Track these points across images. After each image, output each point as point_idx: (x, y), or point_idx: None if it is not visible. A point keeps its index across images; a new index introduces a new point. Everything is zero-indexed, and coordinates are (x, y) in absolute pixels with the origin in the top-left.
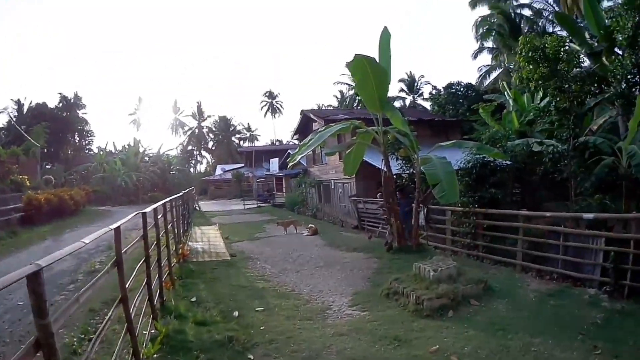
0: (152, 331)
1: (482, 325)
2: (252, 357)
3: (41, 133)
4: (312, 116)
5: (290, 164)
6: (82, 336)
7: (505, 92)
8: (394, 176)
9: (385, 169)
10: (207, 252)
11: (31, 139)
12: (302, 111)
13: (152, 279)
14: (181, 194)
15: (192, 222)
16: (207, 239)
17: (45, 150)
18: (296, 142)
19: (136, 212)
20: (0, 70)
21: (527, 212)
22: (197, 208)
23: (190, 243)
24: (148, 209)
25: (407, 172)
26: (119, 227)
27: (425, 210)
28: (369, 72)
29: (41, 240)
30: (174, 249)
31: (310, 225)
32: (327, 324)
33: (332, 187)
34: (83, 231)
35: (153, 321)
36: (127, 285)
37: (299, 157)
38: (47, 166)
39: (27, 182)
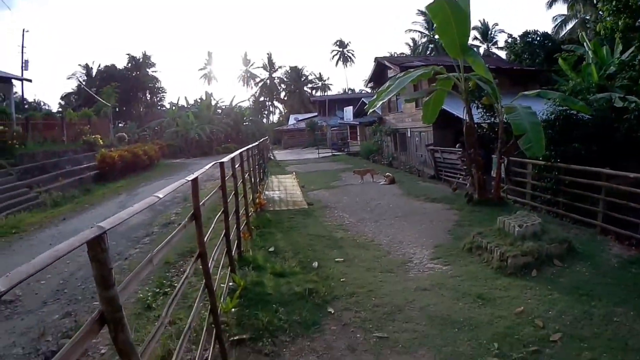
0: (230, 284)
1: (566, 289)
2: (332, 311)
3: (112, 93)
4: (386, 63)
5: (370, 111)
6: (157, 290)
7: (585, 43)
8: (475, 125)
9: (467, 118)
10: (284, 201)
11: (102, 100)
12: (376, 58)
13: (230, 231)
14: (256, 143)
15: (267, 172)
16: (284, 188)
17: (117, 110)
18: (369, 90)
19: (214, 162)
20: (67, 37)
21: (610, 171)
22: (272, 157)
23: (266, 192)
24: (225, 159)
25: (488, 121)
26: (195, 178)
27: (506, 162)
28: (450, 14)
29: (115, 195)
30: (250, 198)
31: (387, 173)
32: (408, 278)
33: (409, 135)
34: (157, 184)
35: (231, 274)
36: (206, 238)
37: (379, 103)
38: (120, 125)
39: (100, 141)
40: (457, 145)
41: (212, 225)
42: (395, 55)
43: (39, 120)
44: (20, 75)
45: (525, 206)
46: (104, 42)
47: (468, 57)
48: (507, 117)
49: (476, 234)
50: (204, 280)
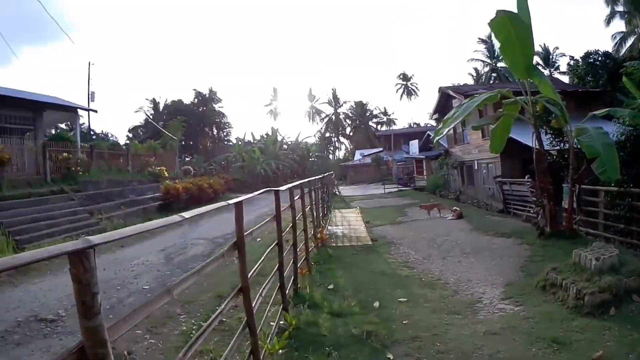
0: (281, 322)
1: None
2: (391, 357)
3: (178, 127)
4: (451, 93)
5: (436, 139)
6: (202, 324)
7: None
8: (544, 152)
9: (536, 144)
10: (346, 237)
11: (167, 133)
12: (440, 88)
13: (284, 265)
14: (320, 176)
15: (331, 206)
16: (347, 223)
17: (183, 143)
18: (434, 122)
19: (266, 189)
20: (134, 71)
21: None
22: (337, 192)
23: (329, 227)
24: (282, 188)
25: (557, 148)
26: (240, 202)
27: (577, 190)
28: (513, 30)
29: (178, 226)
30: (312, 233)
31: (454, 208)
32: (477, 320)
33: (476, 167)
34: (221, 217)
35: (283, 312)
36: (250, 273)
37: (446, 130)
38: (187, 158)
39: (166, 173)
40: (526, 175)
41: (262, 258)
42: (459, 86)
43: (105, 150)
44: (86, 106)
45: (598, 238)
46: (171, 77)
47: (534, 77)
48: (578, 139)
49: (550, 270)
50: (245, 318)
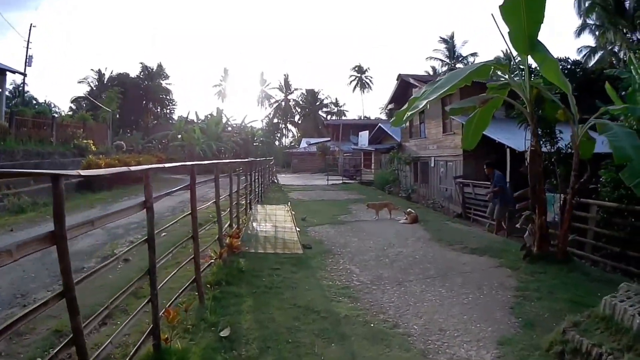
0: None
1: None
2: None
3: (113, 98)
4: (411, 81)
5: (401, 121)
6: None
7: (632, 67)
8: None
9: (531, 141)
10: (270, 241)
11: (100, 104)
12: (399, 75)
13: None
14: (247, 160)
15: (261, 197)
16: (275, 220)
17: (120, 117)
18: (385, 117)
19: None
20: (83, 41)
21: None
22: (275, 181)
23: (253, 225)
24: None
25: (549, 147)
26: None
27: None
28: None
29: (88, 208)
30: (217, 236)
31: (408, 210)
32: None
33: (432, 165)
34: (142, 200)
35: None
36: None
37: (411, 113)
38: (126, 134)
39: (93, 147)
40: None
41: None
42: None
43: (28, 117)
44: (22, 70)
45: (583, 260)
46: (121, 50)
47: (536, 54)
48: (604, 137)
49: (569, 326)
50: None
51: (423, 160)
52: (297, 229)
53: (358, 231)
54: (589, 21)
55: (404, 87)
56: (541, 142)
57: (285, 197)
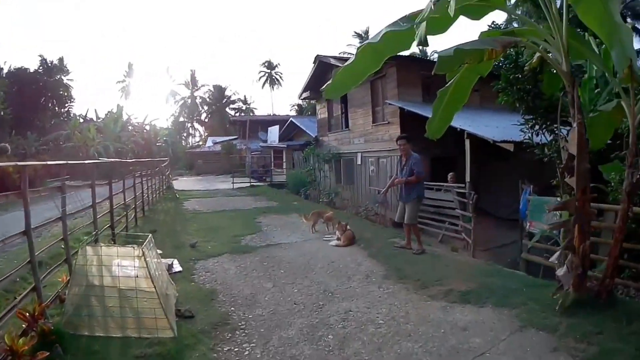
0: None
1: None
2: None
3: None
4: (332, 62)
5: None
6: None
7: None
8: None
9: (576, 116)
10: (115, 314)
11: None
12: (317, 57)
13: None
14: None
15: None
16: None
17: (11, 116)
18: (295, 111)
19: None
20: None
21: None
22: (170, 186)
23: (88, 278)
24: None
25: (548, 136)
26: None
27: None
28: None
29: None
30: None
31: (341, 223)
32: None
33: (359, 162)
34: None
35: None
36: None
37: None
38: (18, 136)
39: None
40: (449, 176)
41: None
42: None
43: None
44: None
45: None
46: (21, 43)
47: None
48: None
49: None
50: None
51: (346, 157)
52: (158, 290)
53: (272, 265)
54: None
55: (322, 72)
56: (535, 130)
57: (180, 210)
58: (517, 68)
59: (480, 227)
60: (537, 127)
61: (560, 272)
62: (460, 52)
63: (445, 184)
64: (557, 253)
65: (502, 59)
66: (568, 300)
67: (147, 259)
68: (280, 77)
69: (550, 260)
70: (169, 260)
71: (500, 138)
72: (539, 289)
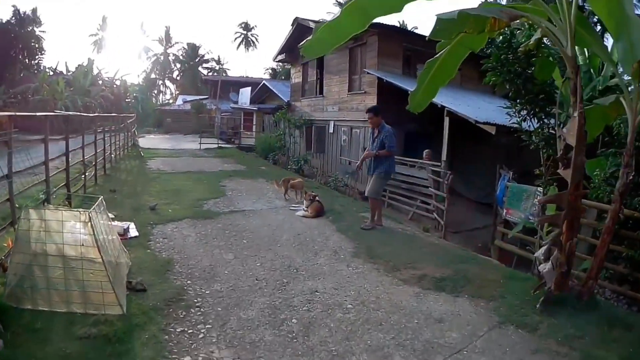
0: None
1: None
2: None
3: None
4: (312, 25)
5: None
6: None
7: None
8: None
9: (576, 106)
10: (59, 285)
11: None
12: (296, 19)
13: None
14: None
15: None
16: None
17: None
18: (269, 75)
19: None
20: None
21: None
22: (135, 144)
23: (34, 244)
24: None
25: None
26: None
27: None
28: None
29: None
30: None
31: (309, 193)
32: None
33: (331, 131)
34: None
35: None
36: None
37: None
38: None
39: None
40: (425, 153)
41: None
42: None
43: None
44: None
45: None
46: None
47: None
48: None
49: None
50: None
51: (319, 125)
52: (105, 261)
53: (235, 234)
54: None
55: (300, 35)
56: (522, 115)
57: (143, 170)
58: (510, 48)
59: (453, 208)
60: (524, 112)
61: (543, 268)
62: (463, 16)
63: (419, 160)
64: (543, 248)
65: (495, 37)
66: (549, 299)
67: (94, 225)
68: (256, 40)
69: (535, 255)
70: (125, 224)
71: (482, 119)
72: (517, 283)
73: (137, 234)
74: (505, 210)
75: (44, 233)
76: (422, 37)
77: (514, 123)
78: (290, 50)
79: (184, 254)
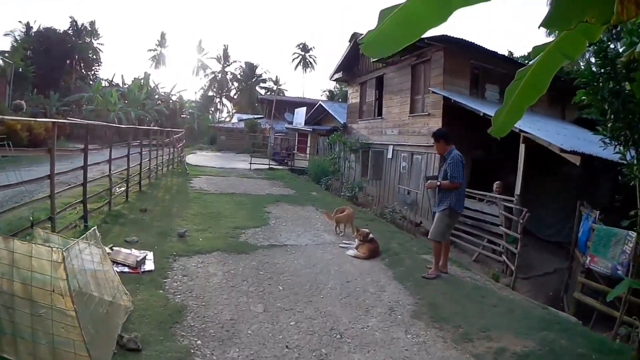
0: None
1: None
2: None
3: (18, 49)
4: None
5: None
6: None
7: None
8: None
9: None
10: (23, 337)
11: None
12: (354, 35)
13: None
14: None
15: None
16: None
17: (34, 74)
18: (326, 96)
19: None
20: None
21: None
22: (181, 160)
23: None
24: None
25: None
26: None
27: None
28: None
29: None
30: None
31: (361, 230)
32: None
33: (389, 156)
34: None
35: None
36: None
37: None
38: (40, 95)
39: None
40: (495, 185)
41: None
42: None
43: None
44: None
45: None
46: (53, 3)
47: None
48: None
49: None
50: None
51: (376, 149)
52: (79, 316)
53: (270, 277)
54: None
55: (357, 53)
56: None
57: (181, 186)
58: (606, 60)
59: (523, 250)
60: (621, 138)
61: None
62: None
63: (489, 193)
64: None
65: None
66: None
67: (68, 268)
68: (314, 61)
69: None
70: (141, 254)
71: (568, 147)
72: (611, 357)
73: (152, 267)
74: (589, 258)
75: (11, 268)
76: (492, 53)
77: (616, 153)
78: (348, 68)
79: (202, 299)
